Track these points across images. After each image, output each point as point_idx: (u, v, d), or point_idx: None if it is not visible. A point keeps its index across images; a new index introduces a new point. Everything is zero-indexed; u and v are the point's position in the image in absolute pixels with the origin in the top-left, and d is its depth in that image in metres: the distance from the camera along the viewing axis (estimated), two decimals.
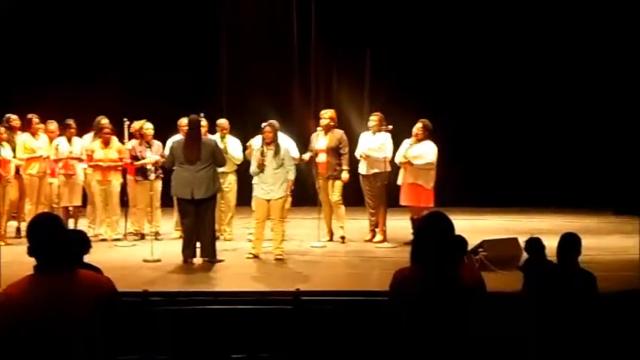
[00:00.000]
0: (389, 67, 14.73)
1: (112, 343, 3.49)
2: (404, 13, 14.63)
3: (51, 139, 11.21)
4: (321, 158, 10.95)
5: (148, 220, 11.26)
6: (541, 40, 14.48)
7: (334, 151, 10.88)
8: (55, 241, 3.45)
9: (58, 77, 14.11)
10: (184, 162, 9.55)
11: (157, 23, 14.61)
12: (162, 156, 11.03)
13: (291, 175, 9.94)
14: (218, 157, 9.71)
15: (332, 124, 11.00)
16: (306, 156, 11.05)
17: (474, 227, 12.00)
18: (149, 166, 11.05)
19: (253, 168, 9.90)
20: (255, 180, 9.92)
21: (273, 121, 10.28)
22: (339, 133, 10.99)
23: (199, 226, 9.54)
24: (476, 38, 14.60)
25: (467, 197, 14.29)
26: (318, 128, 11.14)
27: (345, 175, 10.87)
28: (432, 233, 3.87)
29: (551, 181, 14.36)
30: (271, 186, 9.80)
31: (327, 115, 11.03)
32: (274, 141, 9.83)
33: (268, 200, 9.82)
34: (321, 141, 10.98)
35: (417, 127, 10.70)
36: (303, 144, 11.41)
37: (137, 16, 14.55)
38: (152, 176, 11.05)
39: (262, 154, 9.80)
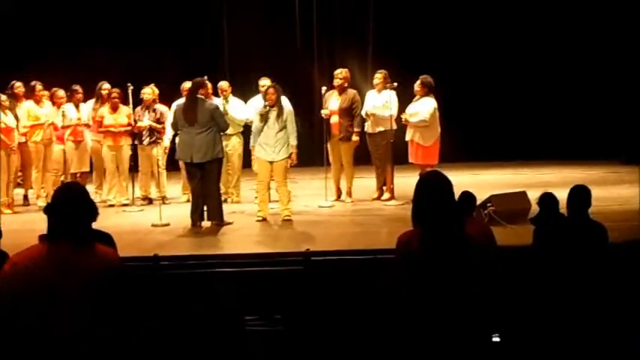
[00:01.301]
0: (392, 25, 14.58)
1: (120, 315, 3.48)
2: None
3: (58, 106, 11.15)
4: (333, 119, 10.86)
5: (155, 184, 11.27)
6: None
7: (347, 112, 10.78)
8: (77, 212, 3.43)
9: (62, 42, 14.06)
10: (185, 125, 9.52)
11: None
12: (160, 122, 11.01)
13: (293, 141, 9.84)
14: (219, 120, 9.61)
15: (345, 84, 10.91)
16: (325, 112, 10.95)
17: (481, 182, 12.01)
18: (144, 131, 11.05)
19: (255, 123, 9.84)
20: (257, 141, 9.88)
21: (268, 82, 10.28)
22: (351, 93, 10.90)
23: (205, 189, 9.53)
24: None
25: (472, 152, 14.26)
26: (324, 88, 11.05)
27: (355, 138, 10.82)
28: (429, 194, 3.83)
29: (560, 132, 14.28)
30: (273, 147, 9.75)
31: (340, 75, 10.89)
32: (277, 102, 9.76)
33: (271, 162, 9.80)
34: (333, 101, 10.90)
35: (417, 84, 10.64)
36: (306, 104, 11.34)
37: None
38: (146, 141, 11.05)
39: (263, 115, 9.72)
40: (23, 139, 11.12)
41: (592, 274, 5.49)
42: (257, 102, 10.58)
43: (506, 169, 13.77)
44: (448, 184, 3.85)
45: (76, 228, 3.43)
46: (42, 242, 3.42)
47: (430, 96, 10.61)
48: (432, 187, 3.85)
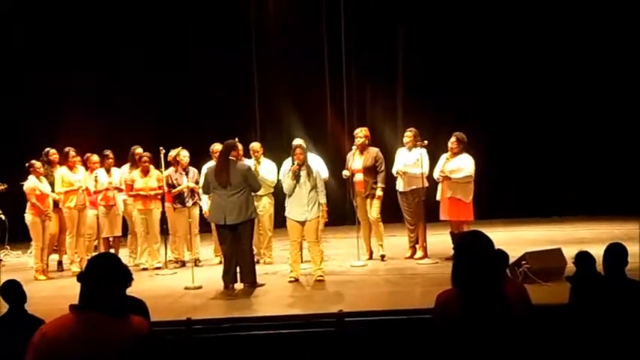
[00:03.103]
0: (422, 82, 14.65)
1: None
2: (436, 26, 14.59)
3: (91, 171, 11.27)
4: (358, 177, 10.90)
5: (188, 247, 11.31)
6: (581, 53, 14.35)
7: (370, 170, 10.83)
8: (109, 281, 3.44)
9: (92, 108, 14.29)
10: (217, 187, 9.58)
11: (190, 51, 14.73)
12: (197, 182, 11.09)
13: (322, 199, 9.86)
14: (251, 181, 9.68)
15: (367, 142, 10.96)
16: (346, 173, 10.98)
17: (515, 239, 11.90)
18: (185, 193, 11.11)
19: (288, 182, 9.86)
20: (288, 202, 9.92)
21: (301, 143, 10.36)
22: (374, 151, 10.95)
23: (237, 251, 9.54)
24: (509, 48, 14.51)
25: (506, 208, 14.17)
26: (353, 147, 11.10)
27: (378, 193, 10.82)
28: (471, 254, 3.79)
29: (594, 188, 14.15)
30: (305, 206, 9.76)
31: (361, 133, 10.99)
32: (305, 162, 9.82)
33: (302, 222, 9.81)
34: (357, 161, 10.95)
35: (452, 141, 10.64)
36: (337, 163, 11.37)
37: (171, 45, 14.68)
38: (189, 203, 11.11)
39: (295, 172, 9.75)
40: (58, 205, 11.24)
41: (630, 334, 5.37)
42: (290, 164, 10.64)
43: (540, 225, 13.63)
44: (489, 244, 3.82)
45: (107, 298, 3.41)
46: (72, 312, 3.41)
47: (465, 152, 10.60)
48: (474, 247, 3.81)
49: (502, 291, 3.79)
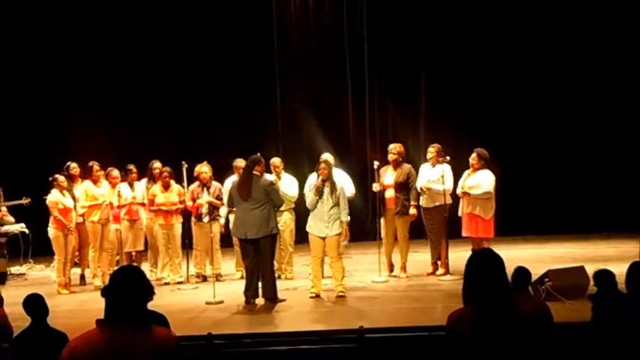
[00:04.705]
0: (445, 97, 14.61)
1: None
2: (459, 42, 14.57)
3: (113, 186, 11.35)
4: (389, 193, 10.86)
5: (209, 261, 11.33)
6: (607, 71, 14.28)
7: (403, 186, 10.78)
8: (133, 295, 3.45)
9: (116, 123, 14.39)
10: (240, 200, 9.62)
11: (212, 68, 14.82)
12: (219, 198, 11.12)
13: (344, 217, 9.85)
14: (273, 196, 9.68)
15: (399, 159, 10.94)
16: (376, 186, 10.97)
17: (538, 256, 11.85)
18: (204, 209, 11.14)
19: (310, 196, 9.86)
20: (310, 217, 9.91)
21: (327, 158, 10.37)
22: (407, 167, 10.91)
23: (258, 266, 9.55)
24: (533, 65, 14.46)
25: (529, 225, 14.08)
26: (376, 163, 11.07)
27: (412, 211, 10.78)
28: (481, 272, 3.78)
29: (618, 205, 14.02)
30: (326, 222, 9.76)
31: (395, 149, 10.95)
32: (329, 178, 9.82)
33: (324, 238, 9.80)
34: (389, 176, 10.93)
35: (473, 157, 10.60)
36: (359, 179, 11.37)
37: (194, 62, 14.79)
38: (206, 219, 11.13)
39: (318, 188, 9.75)
40: (81, 220, 11.31)
41: None
42: (315, 178, 10.65)
43: (563, 242, 13.50)
44: (500, 262, 3.80)
45: (132, 311, 3.43)
46: (99, 326, 3.43)
47: (487, 168, 10.56)
48: (484, 265, 3.79)
49: (513, 309, 3.77)
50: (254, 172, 9.67)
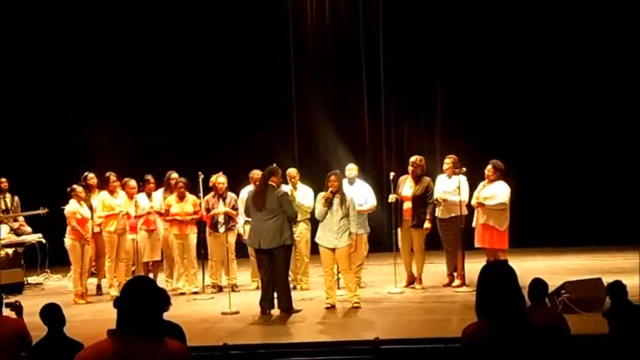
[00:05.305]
0: (462, 108, 14.59)
1: None
2: (476, 53, 14.56)
3: (131, 196, 11.40)
4: (407, 205, 10.86)
5: (225, 272, 11.35)
6: (621, 84, 14.22)
7: (421, 199, 10.77)
8: (145, 306, 3.45)
9: (129, 133, 14.46)
10: (254, 210, 9.68)
11: (229, 77, 14.85)
12: (235, 208, 11.15)
13: (353, 228, 9.83)
14: (286, 207, 9.68)
15: (419, 171, 10.92)
16: (393, 197, 10.97)
17: (555, 268, 11.78)
18: (220, 219, 11.16)
19: (319, 207, 9.86)
20: (319, 228, 9.91)
21: (352, 169, 10.54)
22: (427, 180, 10.90)
23: (274, 277, 9.56)
24: (550, 78, 14.41)
25: (546, 237, 14.01)
26: (392, 173, 11.06)
27: (427, 225, 10.77)
28: (494, 285, 3.76)
29: (633, 217, 13.93)
30: (335, 234, 9.76)
31: (416, 162, 10.93)
32: (340, 190, 9.82)
33: (333, 249, 9.79)
34: (407, 188, 10.92)
35: (488, 169, 10.58)
36: (375, 190, 11.36)
37: (207, 68, 14.84)
38: (222, 229, 11.14)
39: (328, 199, 9.76)
40: (98, 230, 11.36)
41: None
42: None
43: (580, 254, 13.41)
44: (512, 275, 3.79)
45: (144, 322, 3.43)
46: (110, 336, 3.42)
47: (502, 180, 10.54)
48: (496, 279, 3.78)
49: (527, 321, 3.75)
50: (270, 182, 9.70)
